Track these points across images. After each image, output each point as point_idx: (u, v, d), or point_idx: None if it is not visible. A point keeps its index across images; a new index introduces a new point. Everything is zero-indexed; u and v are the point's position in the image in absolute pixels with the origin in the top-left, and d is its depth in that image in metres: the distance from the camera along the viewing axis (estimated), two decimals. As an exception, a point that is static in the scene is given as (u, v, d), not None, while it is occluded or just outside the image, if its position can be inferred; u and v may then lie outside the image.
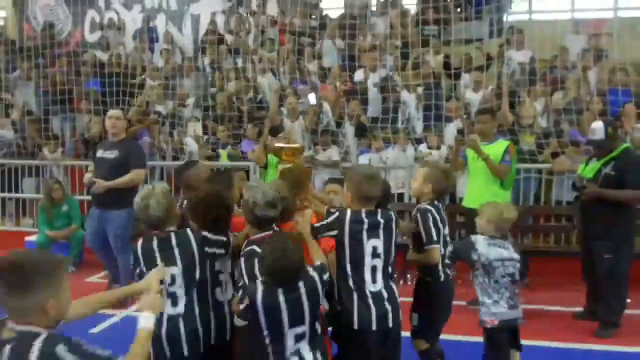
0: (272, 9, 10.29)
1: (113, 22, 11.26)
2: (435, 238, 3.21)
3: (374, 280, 2.70)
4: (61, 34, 12.00)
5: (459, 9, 9.22)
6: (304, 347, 2.33)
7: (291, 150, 3.50)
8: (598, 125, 4.42)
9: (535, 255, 5.92)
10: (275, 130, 5.46)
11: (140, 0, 11.64)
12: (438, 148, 6.57)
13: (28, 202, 8.05)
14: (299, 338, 2.32)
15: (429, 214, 3.25)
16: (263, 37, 9.65)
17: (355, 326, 2.65)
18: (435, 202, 3.36)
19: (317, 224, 2.75)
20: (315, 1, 10.24)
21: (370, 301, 2.67)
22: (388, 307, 2.71)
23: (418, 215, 3.26)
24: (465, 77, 7.68)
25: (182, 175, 3.50)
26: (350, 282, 2.70)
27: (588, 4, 10.46)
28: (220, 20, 10.80)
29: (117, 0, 11.70)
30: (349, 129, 7.02)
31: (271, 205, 2.62)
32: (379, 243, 2.71)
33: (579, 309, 4.96)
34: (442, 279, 3.29)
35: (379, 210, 2.79)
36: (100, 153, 5.26)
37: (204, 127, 7.91)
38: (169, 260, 2.66)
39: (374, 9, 10.00)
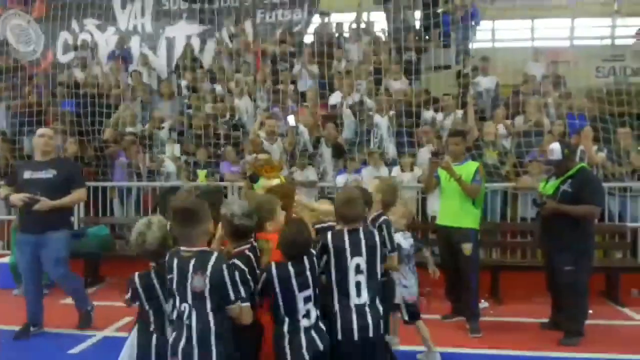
0: (248, 34, 10.55)
1: (86, 44, 11.29)
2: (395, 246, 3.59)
3: (358, 294, 2.91)
4: (33, 54, 11.96)
5: (427, 37, 9.72)
6: (311, 307, 2.83)
7: (270, 166, 3.71)
8: (555, 147, 4.78)
9: (503, 270, 6.27)
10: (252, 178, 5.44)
11: (114, 23, 11.72)
12: (411, 170, 6.86)
13: (-2, 224, 7.92)
14: (307, 300, 2.81)
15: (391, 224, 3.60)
16: (239, 61, 9.89)
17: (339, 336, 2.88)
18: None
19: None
20: (291, 28, 10.57)
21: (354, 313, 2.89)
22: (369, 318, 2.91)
23: (384, 225, 3.51)
24: (439, 103, 8.06)
25: (166, 201, 3.57)
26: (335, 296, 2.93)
27: (546, 34, 11.18)
28: (195, 43, 11.00)
29: (91, 22, 11.74)
30: (325, 150, 7.27)
31: (247, 215, 2.85)
32: (361, 260, 2.94)
33: (545, 320, 5.25)
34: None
35: (361, 229, 3.01)
36: (28, 174, 4.84)
37: (181, 149, 8.02)
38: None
39: (346, 35, 10.40)
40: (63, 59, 11.73)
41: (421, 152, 7.35)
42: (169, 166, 7.54)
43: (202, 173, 7.26)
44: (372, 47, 9.27)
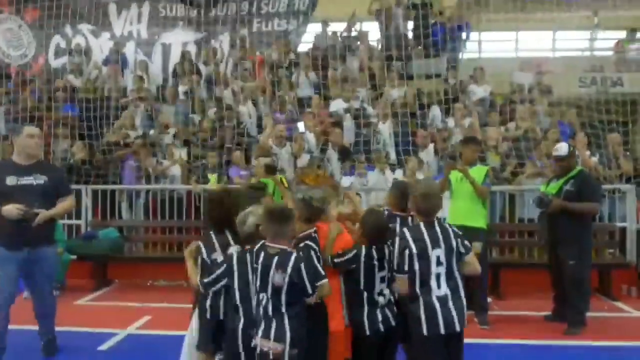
0: (246, 43, 10.78)
1: (80, 48, 11.29)
2: None
3: (439, 286, 3.01)
4: (24, 58, 11.90)
5: (419, 47, 10.14)
6: (384, 288, 3.19)
7: (315, 177, 3.98)
8: (562, 145, 5.30)
9: (504, 268, 6.64)
10: (271, 168, 5.70)
11: (109, 29, 11.77)
12: (415, 174, 7.19)
13: None
14: (382, 280, 3.17)
15: None
16: (239, 68, 10.10)
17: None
18: None
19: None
20: (287, 37, 10.84)
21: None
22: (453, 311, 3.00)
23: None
24: (435, 109, 8.45)
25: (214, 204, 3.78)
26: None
27: (531, 45, 11.76)
28: (192, 50, 11.15)
29: (85, 26, 11.76)
30: (332, 154, 7.56)
31: (322, 200, 3.18)
32: (440, 252, 3.05)
33: (546, 313, 5.60)
34: None
35: (436, 222, 3.14)
36: (12, 180, 4.08)
37: (188, 153, 8.19)
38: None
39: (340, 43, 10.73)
40: (55, 63, 11.72)
41: (421, 156, 7.71)
42: (174, 169, 7.68)
43: (212, 177, 7.43)
44: (367, 56, 9.61)
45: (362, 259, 3.14)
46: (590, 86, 10.13)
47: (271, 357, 2.81)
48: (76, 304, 6.46)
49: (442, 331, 2.96)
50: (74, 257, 7.00)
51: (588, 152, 7.09)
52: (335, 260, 3.17)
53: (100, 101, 9.29)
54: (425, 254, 3.02)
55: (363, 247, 3.18)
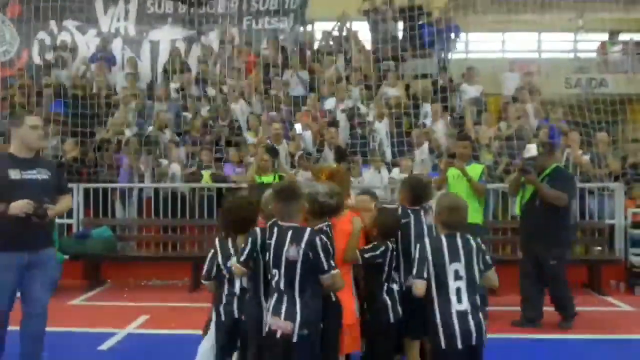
0: (236, 41, 10.74)
1: (65, 45, 11.11)
2: None
3: (459, 300, 2.98)
4: (7, 54, 11.65)
5: (410, 47, 10.24)
6: (395, 276, 3.36)
7: (329, 170, 3.99)
8: (532, 145, 5.40)
9: (497, 264, 6.72)
10: (273, 151, 5.85)
11: (95, 25, 11.60)
12: (411, 173, 7.26)
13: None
14: (395, 269, 3.33)
15: None
16: (229, 66, 10.06)
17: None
18: None
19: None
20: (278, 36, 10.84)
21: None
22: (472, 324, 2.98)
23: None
24: (426, 107, 8.56)
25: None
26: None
27: (518, 46, 11.99)
28: (181, 47, 11.06)
29: (71, 23, 11.57)
30: (328, 153, 7.59)
31: (330, 196, 3.15)
32: (459, 266, 3.02)
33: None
34: None
35: (457, 234, 3.10)
36: (16, 174, 3.68)
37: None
38: None
39: (331, 42, 10.78)
40: (39, 59, 11.51)
41: (416, 154, 7.81)
42: (174, 167, 7.63)
43: (206, 174, 7.40)
44: (360, 56, 9.68)
45: (389, 254, 3.34)
46: (575, 87, 10.38)
47: (279, 335, 2.80)
48: (70, 304, 6.37)
49: (460, 346, 2.96)
50: (67, 256, 6.90)
51: (580, 151, 7.26)
52: (366, 255, 3.26)
53: (90, 99, 9.15)
54: (443, 267, 3.02)
55: (389, 242, 3.35)
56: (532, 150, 5.29)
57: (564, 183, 5.19)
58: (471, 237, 3.13)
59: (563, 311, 5.31)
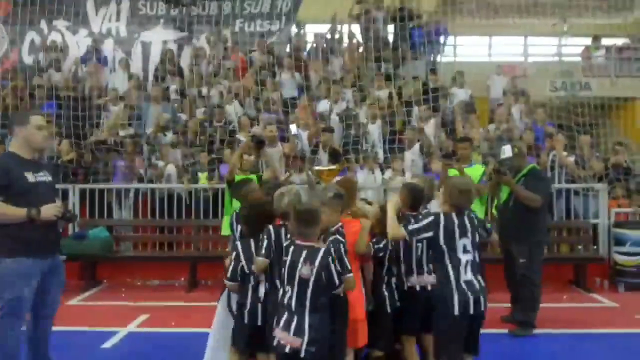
0: (228, 42, 10.82)
1: (55, 45, 11.07)
2: None
3: (466, 272, 3.31)
4: (-6, 53, 11.56)
5: (400, 50, 10.44)
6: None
7: (329, 171, 4.14)
8: (507, 147, 5.46)
9: (488, 263, 6.94)
10: (259, 142, 5.78)
11: (86, 25, 11.58)
12: (403, 174, 7.46)
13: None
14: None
15: None
16: (221, 68, 10.14)
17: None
18: None
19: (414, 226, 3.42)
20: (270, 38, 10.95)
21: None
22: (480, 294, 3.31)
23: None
24: (417, 109, 8.76)
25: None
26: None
27: (504, 50, 12.27)
28: (173, 48, 11.09)
29: (61, 23, 11.53)
30: (322, 154, 7.73)
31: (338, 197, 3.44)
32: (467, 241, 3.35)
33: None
34: None
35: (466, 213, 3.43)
36: (32, 177, 3.54)
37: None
38: None
39: (324, 45, 10.92)
40: (28, 59, 11.44)
41: (407, 155, 8.00)
42: (170, 168, 7.70)
43: (203, 175, 7.49)
44: (353, 57, 9.84)
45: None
46: (559, 90, 10.66)
47: (287, 350, 2.92)
48: (68, 305, 6.41)
49: (472, 311, 3.29)
50: (64, 257, 6.92)
51: (565, 153, 7.50)
52: (375, 246, 3.59)
53: (82, 101, 9.16)
54: (454, 242, 3.33)
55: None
56: (506, 151, 5.35)
57: (538, 184, 5.21)
58: (471, 213, 3.49)
59: (523, 316, 5.18)
